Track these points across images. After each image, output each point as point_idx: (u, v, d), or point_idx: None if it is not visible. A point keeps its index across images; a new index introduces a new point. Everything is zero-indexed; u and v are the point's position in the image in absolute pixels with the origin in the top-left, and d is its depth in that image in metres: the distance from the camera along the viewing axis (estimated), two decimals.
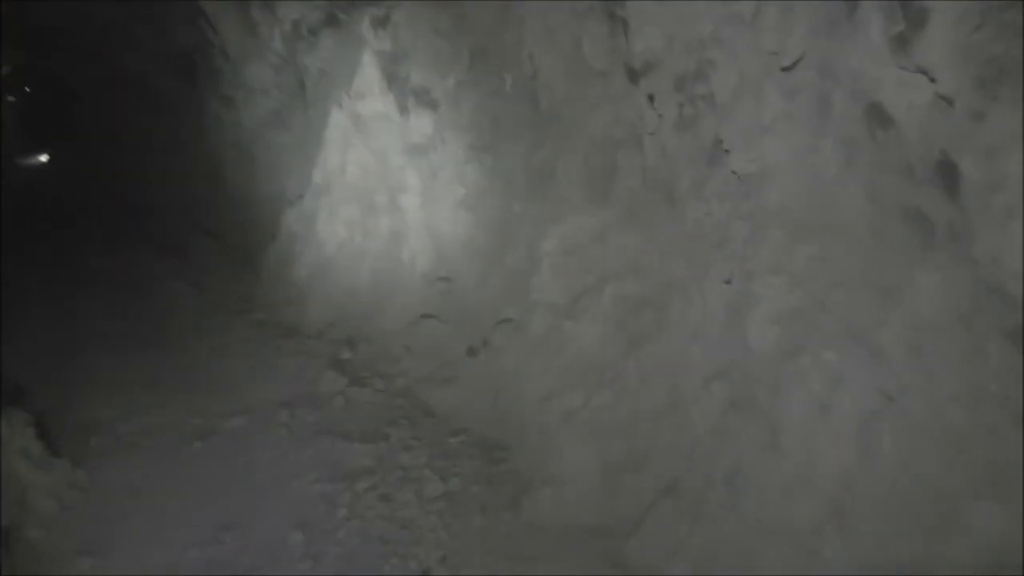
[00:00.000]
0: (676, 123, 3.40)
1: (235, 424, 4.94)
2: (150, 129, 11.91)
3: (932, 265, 2.33)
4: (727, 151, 3.11)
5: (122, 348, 6.51)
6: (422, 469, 4.21)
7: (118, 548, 3.70)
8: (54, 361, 6.13)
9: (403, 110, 5.90)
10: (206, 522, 3.86)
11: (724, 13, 3.02)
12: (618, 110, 3.99)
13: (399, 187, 6.12)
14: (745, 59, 2.99)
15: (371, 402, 5.12)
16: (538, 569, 3.34)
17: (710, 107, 3.19)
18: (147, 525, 3.88)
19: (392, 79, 5.97)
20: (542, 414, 4.01)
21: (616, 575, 3.22)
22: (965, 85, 2.20)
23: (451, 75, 5.40)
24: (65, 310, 7.71)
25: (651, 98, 3.53)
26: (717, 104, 3.15)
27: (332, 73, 7.05)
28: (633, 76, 3.68)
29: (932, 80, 2.28)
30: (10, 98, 20.93)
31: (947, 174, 2.27)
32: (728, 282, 3.12)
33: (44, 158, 18.87)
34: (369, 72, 6.19)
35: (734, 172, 3.08)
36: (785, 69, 2.79)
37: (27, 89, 20.73)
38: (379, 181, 6.34)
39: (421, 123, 5.72)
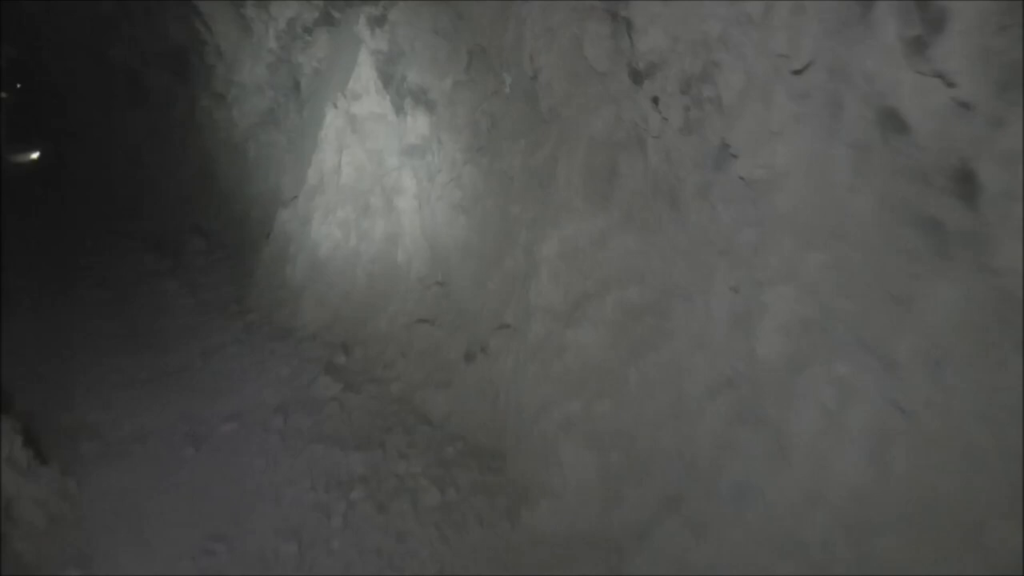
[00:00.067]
0: (681, 126, 3.33)
1: (227, 430, 4.83)
2: (142, 127, 11.80)
3: (949, 275, 2.27)
4: (734, 155, 3.04)
5: (112, 349, 6.39)
6: (418, 478, 4.12)
7: (108, 559, 3.61)
8: (41, 363, 6.00)
9: (399, 110, 5.82)
10: (197, 532, 3.78)
11: (732, 13, 2.94)
12: (620, 112, 3.91)
13: (395, 189, 6.03)
14: (754, 61, 2.91)
15: (366, 408, 5.02)
16: None
17: (717, 110, 3.12)
18: (137, 535, 3.79)
19: (388, 79, 5.89)
20: (540, 422, 3.92)
21: None
22: (984, 90, 2.13)
23: (449, 75, 5.32)
24: (53, 310, 7.58)
25: (655, 100, 3.45)
26: (724, 107, 3.07)
27: (327, 72, 6.97)
28: (636, 77, 3.60)
29: (950, 85, 2.21)
30: (2, 94, 20.77)
31: (965, 182, 2.21)
32: (735, 290, 3.05)
33: (34, 155, 18.70)
34: (365, 71, 6.12)
35: (741, 177, 3.00)
36: (795, 72, 2.72)
37: (18, 85, 20.59)
38: (375, 182, 6.25)
39: (418, 124, 5.64)
